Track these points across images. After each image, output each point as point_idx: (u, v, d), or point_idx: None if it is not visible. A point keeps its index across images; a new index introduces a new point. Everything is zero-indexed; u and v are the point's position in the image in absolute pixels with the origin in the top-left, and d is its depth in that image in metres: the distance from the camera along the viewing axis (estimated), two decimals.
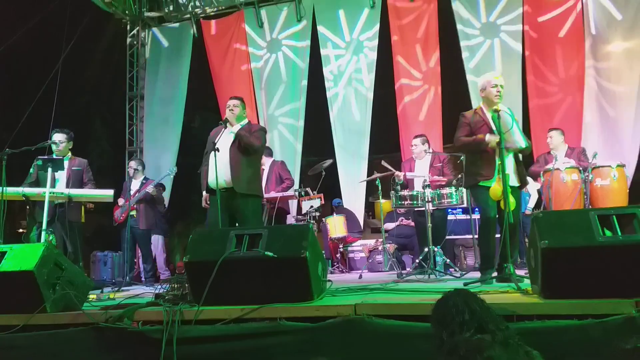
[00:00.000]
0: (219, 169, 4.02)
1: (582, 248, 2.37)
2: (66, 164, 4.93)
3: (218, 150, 4.05)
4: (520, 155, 4.03)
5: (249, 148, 4.24)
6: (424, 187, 4.92)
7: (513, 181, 3.88)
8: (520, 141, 3.88)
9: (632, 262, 2.32)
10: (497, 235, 3.95)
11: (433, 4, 7.53)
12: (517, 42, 7.18)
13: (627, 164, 5.48)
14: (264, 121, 8.15)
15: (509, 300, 2.66)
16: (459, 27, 7.46)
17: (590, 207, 4.97)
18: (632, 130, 6.53)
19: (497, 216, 3.87)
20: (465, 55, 7.39)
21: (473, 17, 7.45)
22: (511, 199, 3.49)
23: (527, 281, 3.09)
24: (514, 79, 6.99)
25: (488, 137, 3.83)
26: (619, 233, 2.36)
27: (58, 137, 5.03)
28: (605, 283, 2.35)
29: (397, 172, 5.60)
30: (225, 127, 4.27)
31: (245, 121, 4.48)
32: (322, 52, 8.05)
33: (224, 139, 4.26)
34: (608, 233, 2.37)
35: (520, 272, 3.75)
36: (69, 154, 5.14)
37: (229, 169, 4.19)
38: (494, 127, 3.81)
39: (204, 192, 4.45)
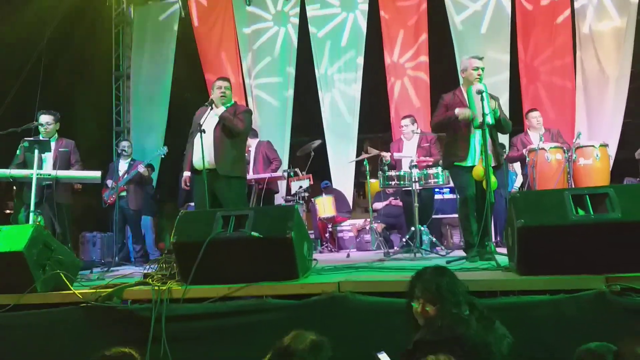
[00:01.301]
0: (204, 150, 4.05)
1: (556, 226, 2.46)
2: (53, 145, 4.92)
3: (204, 132, 4.06)
4: (497, 135, 4.10)
5: (233, 131, 4.24)
6: (410, 167, 4.99)
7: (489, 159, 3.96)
8: (489, 118, 3.80)
9: (603, 240, 2.42)
10: None
11: None
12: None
13: (609, 144, 5.58)
14: (251, 94, 8.14)
15: (487, 277, 2.76)
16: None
17: (573, 186, 5.08)
18: (612, 110, 6.64)
19: (474, 195, 3.95)
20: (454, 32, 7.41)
21: None
22: (492, 179, 3.57)
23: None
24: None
25: (457, 110, 3.91)
26: (591, 212, 2.45)
27: (45, 118, 5.00)
28: (578, 260, 2.45)
29: (383, 153, 5.66)
30: (211, 108, 4.27)
31: (231, 101, 4.47)
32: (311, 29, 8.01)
33: (209, 120, 4.27)
34: (581, 212, 2.45)
35: (503, 250, 3.85)
36: (56, 135, 5.13)
37: (213, 151, 4.20)
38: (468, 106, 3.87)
39: (185, 173, 4.43)
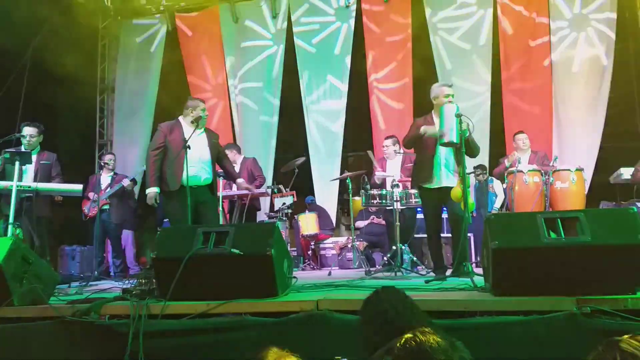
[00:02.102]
0: (195, 166, 4.16)
1: (529, 248, 2.53)
2: (35, 157, 4.90)
3: (189, 148, 4.10)
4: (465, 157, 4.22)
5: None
6: (392, 186, 5.07)
7: (453, 181, 4.10)
8: (454, 136, 3.85)
9: (574, 262, 2.49)
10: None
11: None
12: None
13: (585, 168, 5.73)
14: (237, 107, 8.18)
15: (463, 297, 2.81)
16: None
17: (550, 208, 5.20)
18: (590, 135, 6.83)
19: (438, 218, 4.16)
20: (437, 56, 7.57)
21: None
22: (470, 200, 3.66)
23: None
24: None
25: (423, 128, 4.09)
26: (563, 235, 2.53)
27: (29, 130, 4.98)
28: (550, 281, 2.52)
29: (377, 172, 5.76)
30: (197, 128, 4.32)
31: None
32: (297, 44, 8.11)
33: (196, 139, 4.30)
34: (553, 235, 2.53)
35: (480, 270, 3.92)
36: (39, 147, 5.10)
37: (206, 168, 4.34)
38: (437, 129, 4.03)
39: (153, 189, 4.30)
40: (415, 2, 7.70)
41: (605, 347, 1.34)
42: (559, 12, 7.20)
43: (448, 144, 3.88)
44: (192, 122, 4.35)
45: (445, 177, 4.17)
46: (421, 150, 4.25)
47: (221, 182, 5.62)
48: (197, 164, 4.26)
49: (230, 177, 4.92)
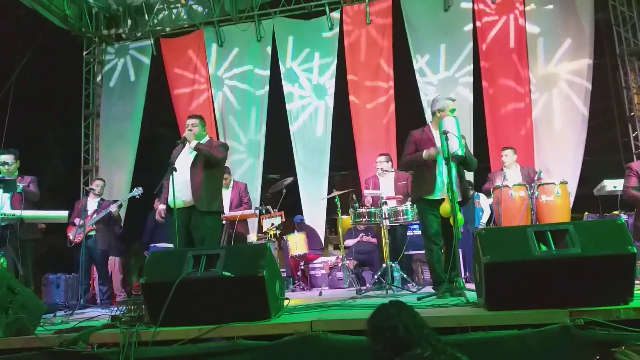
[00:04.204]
0: (178, 188, 4.04)
1: (521, 262, 2.54)
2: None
3: (175, 170, 4.07)
4: (464, 171, 4.25)
5: (211, 159, 4.26)
6: (380, 204, 5.07)
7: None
8: (458, 148, 3.92)
9: (565, 274, 2.51)
10: None
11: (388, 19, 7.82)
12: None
13: (570, 181, 5.82)
14: (223, 132, 8.23)
15: (457, 313, 2.80)
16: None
17: (536, 222, 5.25)
18: (573, 148, 6.95)
19: (438, 232, 4.07)
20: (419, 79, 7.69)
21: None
22: (460, 215, 3.67)
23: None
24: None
25: (425, 153, 4.10)
26: (553, 248, 2.55)
27: (5, 158, 4.89)
28: (543, 294, 2.53)
29: (365, 190, 5.77)
30: (184, 146, 4.29)
31: (207, 138, 4.50)
32: (282, 69, 8.20)
33: (182, 159, 4.28)
34: (544, 248, 2.55)
35: (471, 286, 3.92)
36: (17, 172, 5.01)
37: (189, 188, 4.20)
38: (438, 145, 4.01)
39: (161, 205, 4.40)
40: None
41: (602, 358, 1.35)
42: None
43: (453, 158, 3.85)
44: (178, 142, 4.34)
45: (446, 189, 4.14)
46: (421, 165, 4.22)
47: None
48: (183, 186, 4.19)
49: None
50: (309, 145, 7.97)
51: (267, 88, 8.21)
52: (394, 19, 7.85)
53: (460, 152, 3.90)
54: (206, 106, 8.35)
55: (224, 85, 8.41)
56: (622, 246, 2.50)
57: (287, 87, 8.16)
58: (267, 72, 8.25)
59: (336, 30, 8.03)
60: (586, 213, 6.30)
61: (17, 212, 4.46)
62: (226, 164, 5.18)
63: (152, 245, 6.47)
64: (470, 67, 7.50)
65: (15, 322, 2.94)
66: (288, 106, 8.10)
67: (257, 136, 8.15)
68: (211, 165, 4.30)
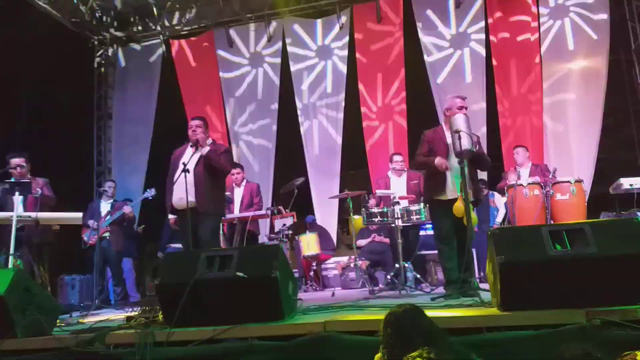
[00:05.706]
0: (181, 189, 4.06)
1: (535, 262, 2.52)
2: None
3: (188, 172, 4.09)
4: (477, 171, 4.22)
5: (220, 171, 4.29)
6: (392, 204, 5.05)
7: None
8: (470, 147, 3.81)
9: (581, 274, 2.48)
10: None
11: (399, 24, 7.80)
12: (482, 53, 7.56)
13: (584, 179, 5.75)
14: (233, 135, 8.26)
15: (470, 313, 2.79)
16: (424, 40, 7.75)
17: (552, 221, 5.19)
18: (588, 146, 6.87)
19: (450, 232, 4.05)
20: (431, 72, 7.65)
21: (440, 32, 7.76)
22: (473, 215, 3.65)
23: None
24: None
25: (437, 160, 4.04)
26: (569, 247, 2.52)
27: (17, 161, 4.93)
28: (559, 294, 2.49)
29: (377, 190, 5.77)
30: (197, 149, 4.30)
31: (209, 140, 4.49)
32: (292, 68, 8.20)
33: (187, 159, 4.28)
34: (559, 247, 2.52)
35: (485, 286, 3.89)
36: (29, 175, 5.06)
37: (194, 189, 4.19)
38: (450, 146, 3.98)
39: (171, 216, 4.44)
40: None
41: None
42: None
43: (463, 154, 3.76)
44: (191, 145, 4.36)
45: (458, 189, 4.12)
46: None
47: None
48: (189, 187, 4.15)
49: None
50: (319, 144, 7.98)
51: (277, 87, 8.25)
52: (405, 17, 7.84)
53: (469, 147, 3.76)
54: (217, 102, 8.43)
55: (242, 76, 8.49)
56: (639, 245, 2.46)
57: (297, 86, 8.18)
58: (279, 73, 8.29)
59: (346, 30, 8.02)
60: (602, 212, 6.21)
61: (33, 214, 4.51)
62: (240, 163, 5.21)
63: (168, 245, 6.52)
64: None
65: (33, 322, 2.98)
66: (299, 109, 8.12)
67: (269, 141, 8.19)
68: (216, 174, 4.32)
